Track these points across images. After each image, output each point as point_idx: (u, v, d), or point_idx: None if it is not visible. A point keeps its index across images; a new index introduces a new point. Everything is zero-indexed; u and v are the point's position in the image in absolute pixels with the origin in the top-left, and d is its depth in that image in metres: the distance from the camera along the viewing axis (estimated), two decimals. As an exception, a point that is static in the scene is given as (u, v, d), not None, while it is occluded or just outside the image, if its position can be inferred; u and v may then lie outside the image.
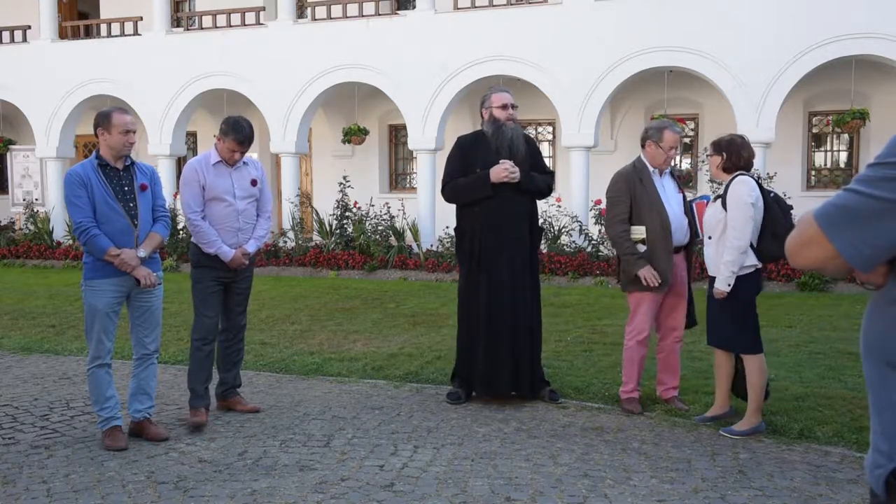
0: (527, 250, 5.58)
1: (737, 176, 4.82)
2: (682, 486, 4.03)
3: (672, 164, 5.39)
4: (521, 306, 5.51)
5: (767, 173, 11.65)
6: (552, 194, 5.96)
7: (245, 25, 15.35)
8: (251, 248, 5.27)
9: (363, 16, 14.48)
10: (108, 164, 4.71)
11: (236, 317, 5.38)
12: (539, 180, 5.62)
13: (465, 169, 5.58)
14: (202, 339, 5.20)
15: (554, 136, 15.79)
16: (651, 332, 5.38)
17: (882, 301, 1.64)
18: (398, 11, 14.55)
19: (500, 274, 5.48)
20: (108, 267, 4.65)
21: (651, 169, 5.28)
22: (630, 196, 5.23)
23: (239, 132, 5.08)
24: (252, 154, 5.29)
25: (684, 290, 5.33)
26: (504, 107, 5.58)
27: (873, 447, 1.65)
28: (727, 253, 4.70)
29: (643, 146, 5.36)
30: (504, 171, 5.40)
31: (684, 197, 5.45)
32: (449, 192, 5.66)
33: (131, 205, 4.73)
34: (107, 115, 4.72)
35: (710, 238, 4.90)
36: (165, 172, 15.04)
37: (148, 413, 4.86)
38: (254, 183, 5.28)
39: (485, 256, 5.50)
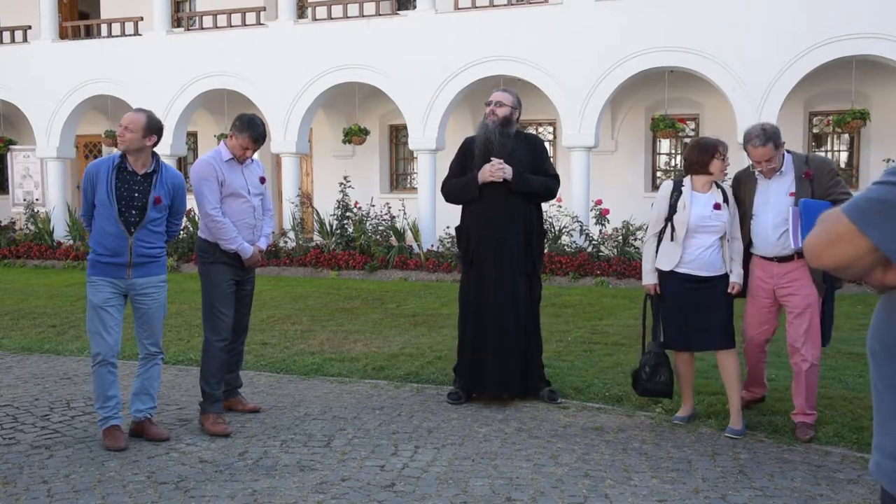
0: (518, 251, 5.54)
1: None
2: (682, 486, 4.03)
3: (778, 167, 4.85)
4: (512, 307, 5.49)
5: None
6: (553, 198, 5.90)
7: (245, 25, 15.35)
8: (263, 244, 5.33)
9: (364, 16, 14.48)
10: (127, 168, 4.71)
11: (240, 318, 5.35)
12: (534, 181, 5.54)
13: (463, 169, 5.65)
14: (221, 339, 5.10)
15: (554, 137, 15.80)
16: (763, 345, 5.16)
17: None
18: (399, 11, 14.54)
19: (489, 273, 5.51)
20: (106, 265, 4.68)
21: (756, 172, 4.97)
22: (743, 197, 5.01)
23: (254, 130, 5.11)
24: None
25: (797, 304, 4.81)
26: (488, 103, 5.62)
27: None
28: (740, 248, 4.93)
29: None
30: (490, 168, 5.42)
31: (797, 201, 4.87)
32: (445, 192, 5.79)
33: (134, 212, 4.69)
34: None
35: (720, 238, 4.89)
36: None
37: (149, 413, 4.86)
38: (262, 180, 5.35)
39: (476, 254, 5.54)
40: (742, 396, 5.06)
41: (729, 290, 4.88)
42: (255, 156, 5.36)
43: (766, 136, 4.66)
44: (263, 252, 5.36)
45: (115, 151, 4.83)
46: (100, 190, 4.66)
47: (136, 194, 4.71)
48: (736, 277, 4.89)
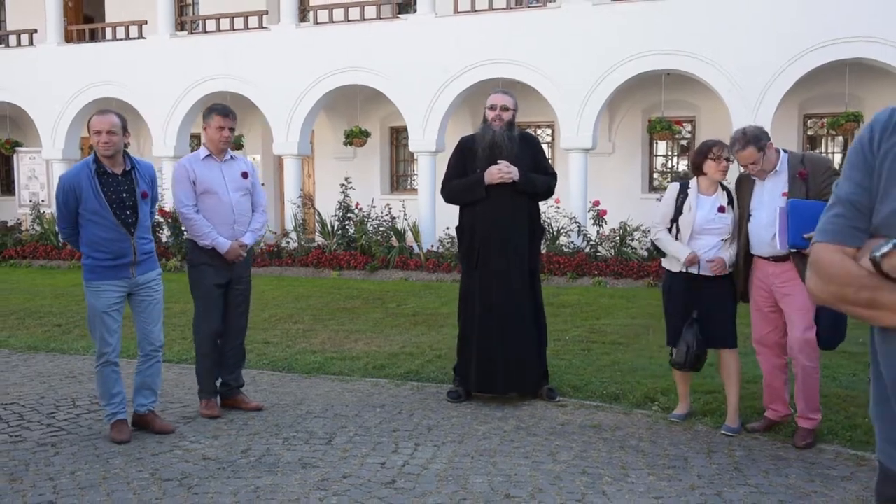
0: (524, 250, 5.54)
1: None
2: (679, 483, 4.03)
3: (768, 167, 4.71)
4: (519, 308, 5.48)
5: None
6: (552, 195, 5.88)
7: (248, 29, 15.35)
8: (248, 240, 5.29)
9: (365, 19, 14.49)
10: (105, 171, 4.66)
11: (237, 318, 5.37)
12: (538, 181, 5.55)
13: (463, 169, 5.60)
14: (205, 343, 5.25)
15: (553, 139, 15.80)
16: (776, 348, 4.86)
17: None
18: (399, 15, 14.54)
19: (495, 273, 5.47)
20: (107, 269, 4.67)
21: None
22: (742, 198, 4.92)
23: (218, 108, 5.24)
24: (255, 156, 5.36)
25: (791, 306, 4.64)
26: (493, 107, 5.56)
27: None
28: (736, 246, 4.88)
29: None
30: (498, 171, 5.40)
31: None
32: (447, 194, 5.73)
33: (128, 212, 4.68)
34: (89, 119, 4.71)
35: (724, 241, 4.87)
36: (170, 174, 15.02)
37: (151, 407, 4.90)
38: (244, 175, 5.32)
39: (481, 255, 5.51)
40: (765, 416, 4.91)
41: (708, 259, 4.78)
42: (258, 158, 5.37)
43: (746, 140, 4.61)
44: (246, 246, 5.27)
45: (84, 158, 4.78)
46: (87, 199, 4.59)
47: (125, 195, 4.68)
48: (725, 257, 4.80)
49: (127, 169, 4.73)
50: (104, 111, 4.78)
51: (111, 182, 4.66)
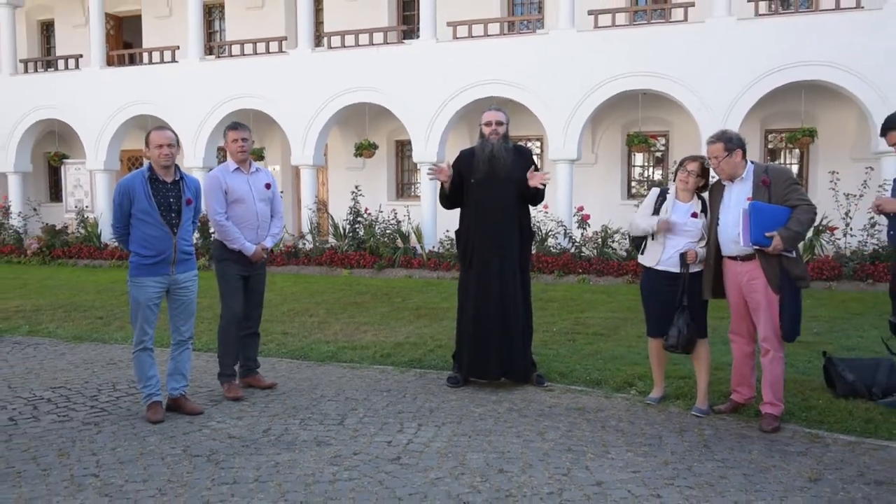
0: (515, 251, 5.53)
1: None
2: (654, 458, 4.03)
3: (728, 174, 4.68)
4: (510, 303, 5.46)
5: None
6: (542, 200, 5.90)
7: (269, 53, 15.35)
8: (269, 243, 5.43)
9: (373, 44, 14.50)
10: (157, 178, 4.73)
11: (255, 307, 5.49)
12: (541, 189, 5.58)
13: (458, 178, 5.60)
14: (230, 325, 5.31)
15: (541, 150, 15.80)
16: (747, 338, 4.81)
17: None
18: (404, 40, 14.54)
19: (488, 273, 5.46)
20: (151, 266, 4.70)
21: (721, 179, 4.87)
22: (713, 204, 4.87)
23: (231, 124, 5.38)
24: (275, 166, 5.40)
25: (757, 301, 4.59)
26: (488, 123, 5.55)
27: None
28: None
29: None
30: (540, 177, 5.46)
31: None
32: (440, 200, 5.80)
33: (173, 215, 4.74)
34: (147, 134, 4.77)
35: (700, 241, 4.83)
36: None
37: (183, 391, 4.91)
38: (268, 187, 5.44)
39: (476, 256, 5.50)
40: (731, 399, 4.90)
41: (682, 252, 4.76)
42: (278, 168, 5.41)
43: (718, 137, 4.64)
44: (268, 250, 5.43)
45: (141, 167, 4.84)
46: (140, 201, 4.66)
47: (171, 200, 4.75)
48: (699, 251, 4.78)
49: (176, 179, 4.80)
50: (161, 128, 4.83)
51: (161, 188, 4.73)
